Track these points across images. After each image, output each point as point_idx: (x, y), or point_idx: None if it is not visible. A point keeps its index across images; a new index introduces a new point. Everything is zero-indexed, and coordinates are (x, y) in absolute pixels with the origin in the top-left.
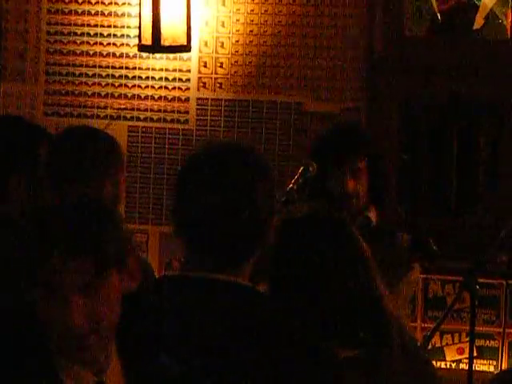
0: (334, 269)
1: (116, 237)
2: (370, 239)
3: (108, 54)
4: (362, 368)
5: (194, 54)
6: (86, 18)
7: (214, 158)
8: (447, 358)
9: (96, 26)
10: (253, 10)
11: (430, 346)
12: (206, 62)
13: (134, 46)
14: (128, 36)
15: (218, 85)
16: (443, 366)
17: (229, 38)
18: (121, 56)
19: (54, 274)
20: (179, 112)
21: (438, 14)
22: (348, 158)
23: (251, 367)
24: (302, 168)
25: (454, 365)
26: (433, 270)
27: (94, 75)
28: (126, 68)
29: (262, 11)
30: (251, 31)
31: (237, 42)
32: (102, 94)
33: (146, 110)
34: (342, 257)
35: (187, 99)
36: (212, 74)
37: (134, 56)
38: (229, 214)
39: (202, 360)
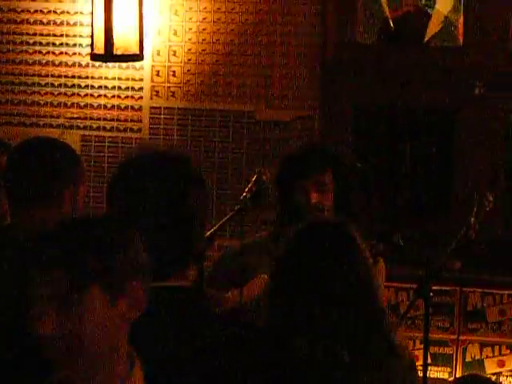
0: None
1: (102, 252)
2: None
3: (60, 64)
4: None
5: (146, 62)
6: (38, 28)
7: (146, 165)
8: None
9: (48, 35)
10: (205, 19)
11: None
12: (158, 71)
13: (86, 55)
14: (80, 45)
15: (171, 93)
16: None
17: (181, 46)
18: (73, 65)
19: (31, 286)
20: (132, 121)
21: (391, 21)
22: (313, 171)
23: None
24: (255, 176)
25: None
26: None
27: (46, 84)
28: (79, 77)
29: (215, 20)
30: (204, 40)
31: (189, 50)
32: (55, 103)
33: (98, 119)
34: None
35: (140, 108)
36: (165, 82)
37: (87, 65)
38: (163, 222)
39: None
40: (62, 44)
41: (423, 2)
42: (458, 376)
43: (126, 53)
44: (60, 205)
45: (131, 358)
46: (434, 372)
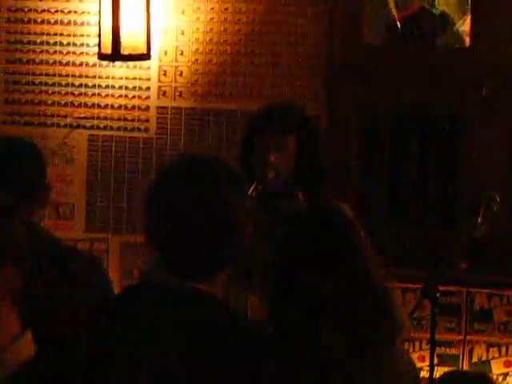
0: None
1: None
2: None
3: (68, 63)
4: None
5: (153, 62)
6: (45, 27)
7: (186, 171)
8: None
9: (55, 34)
10: (212, 19)
11: None
12: (165, 71)
13: (93, 54)
14: (87, 45)
15: (178, 93)
16: None
17: (189, 46)
18: (80, 65)
19: None
20: (139, 120)
21: (398, 22)
22: (273, 130)
23: (210, 375)
24: (259, 175)
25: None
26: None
27: (53, 84)
28: (86, 77)
29: (222, 19)
30: (211, 39)
31: (197, 50)
32: (62, 102)
33: (105, 118)
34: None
35: (147, 108)
36: (172, 82)
37: (94, 65)
38: (204, 227)
39: (165, 369)
40: (69, 43)
41: (429, 1)
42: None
43: (133, 52)
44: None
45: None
46: (441, 372)
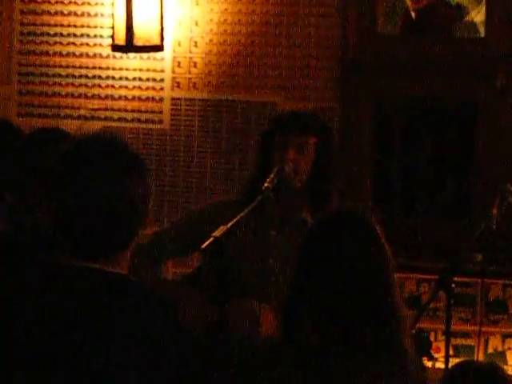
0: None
1: None
2: None
3: (81, 55)
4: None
5: (167, 53)
6: (58, 19)
7: (86, 150)
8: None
9: (69, 26)
10: (226, 10)
11: None
12: (179, 62)
13: (107, 46)
14: (101, 36)
15: (192, 84)
16: None
17: (202, 37)
18: (94, 56)
19: None
20: (153, 112)
21: (412, 13)
22: (295, 130)
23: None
24: (277, 167)
25: (430, 363)
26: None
27: (67, 76)
28: (100, 68)
29: (236, 10)
30: (225, 30)
31: (210, 41)
32: (76, 94)
33: (119, 110)
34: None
35: (161, 99)
36: (186, 73)
37: (108, 56)
38: (106, 205)
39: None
40: (82, 35)
41: None
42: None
43: (146, 44)
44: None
45: None
46: None
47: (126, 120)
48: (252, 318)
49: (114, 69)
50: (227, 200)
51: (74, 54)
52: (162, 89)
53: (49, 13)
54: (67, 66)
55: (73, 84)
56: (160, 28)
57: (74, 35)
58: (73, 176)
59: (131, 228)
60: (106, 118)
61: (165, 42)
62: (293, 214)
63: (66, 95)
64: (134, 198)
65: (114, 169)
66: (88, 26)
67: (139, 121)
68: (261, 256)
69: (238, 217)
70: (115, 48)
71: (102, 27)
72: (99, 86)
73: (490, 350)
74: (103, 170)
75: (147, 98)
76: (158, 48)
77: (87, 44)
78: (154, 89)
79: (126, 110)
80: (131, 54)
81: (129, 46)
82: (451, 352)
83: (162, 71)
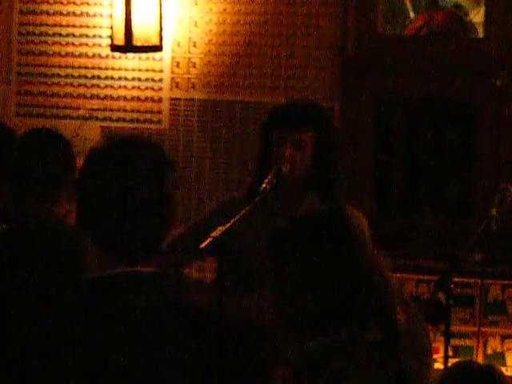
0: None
1: None
2: None
3: (80, 55)
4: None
5: (166, 53)
6: (57, 19)
7: (117, 153)
8: None
9: (68, 26)
10: (225, 10)
11: None
12: (178, 62)
13: (106, 46)
14: (100, 36)
15: (191, 85)
16: None
17: (201, 37)
18: (93, 56)
19: None
20: (152, 112)
21: (411, 13)
22: (292, 125)
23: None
24: (275, 168)
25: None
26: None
27: (66, 76)
28: (99, 68)
29: (235, 11)
30: (224, 31)
31: (210, 41)
32: (75, 94)
33: (118, 110)
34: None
35: (160, 99)
36: (185, 74)
37: (107, 56)
38: (147, 206)
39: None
40: (81, 35)
41: None
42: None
43: (145, 44)
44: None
45: None
46: None
47: (124, 120)
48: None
49: (112, 69)
50: (239, 196)
51: (72, 54)
52: (160, 89)
53: (48, 13)
54: (66, 66)
55: (72, 84)
56: (159, 28)
57: (73, 35)
58: (113, 178)
59: (167, 228)
60: (104, 119)
61: (164, 43)
62: (299, 205)
63: (65, 95)
64: (170, 198)
65: (154, 169)
66: (87, 26)
67: (138, 121)
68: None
69: (237, 217)
70: (114, 48)
71: (100, 27)
72: (98, 86)
73: (489, 351)
74: (143, 171)
75: (146, 99)
76: (157, 48)
77: (86, 44)
78: (152, 89)
79: (124, 110)
80: (130, 54)
81: (128, 46)
82: (450, 352)
83: (161, 71)
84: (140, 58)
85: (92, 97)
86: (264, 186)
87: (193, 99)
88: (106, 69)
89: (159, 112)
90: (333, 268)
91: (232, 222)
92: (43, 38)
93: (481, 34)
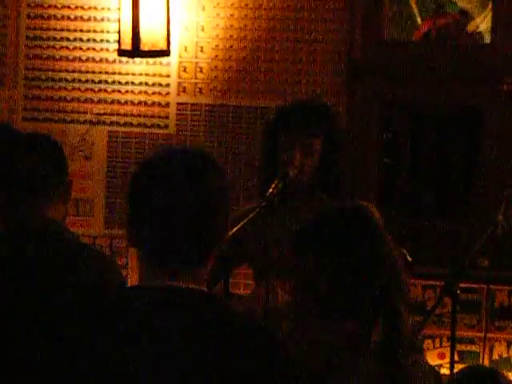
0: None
1: None
2: None
3: (87, 59)
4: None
5: (173, 58)
6: (65, 23)
7: (174, 164)
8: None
9: (75, 30)
10: (232, 15)
11: None
12: (185, 67)
13: (113, 50)
14: (107, 41)
15: (198, 90)
16: None
17: (209, 42)
18: (100, 61)
19: None
20: (159, 117)
21: (418, 18)
22: (299, 129)
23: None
24: (281, 172)
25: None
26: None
27: (73, 80)
28: (106, 73)
29: (242, 16)
30: (231, 36)
31: (217, 46)
32: (82, 99)
33: (125, 114)
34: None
35: (167, 104)
36: (192, 78)
37: (114, 61)
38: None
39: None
40: (89, 40)
41: None
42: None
43: (153, 49)
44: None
45: None
46: None
47: (131, 125)
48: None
49: (120, 74)
50: (250, 206)
51: (80, 59)
52: (167, 94)
53: (55, 17)
54: (73, 71)
55: (79, 89)
56: (166, 33)
57: (81, 40)
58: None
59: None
60: (112, 123)
61: (171, 47)
62: (308, 206)
63: (72, 100)
64: (219, 208)
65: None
66: (94, 31)
67: (145, 126)
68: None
69: (242, 223)
70: (121, 53)
71: (108, 32)
72: (105, 90)
73: (495, 357)
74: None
75: (153, 103)
76: (165, 53)
77: (93, 49)
78: (159, 94)
79: (131, 115)
80: (137, 59)
81: (135, 50)
82: (456, 358)
83: (168, 76)
84: (147, 63)
85: (99, 101)
86: (270, 190)
87: (200, 104)
88: (114, 73)
89: (166, 117)
90: (354, 262)
91: (238, 227)
92: (51, 43)
93: (488, 40)
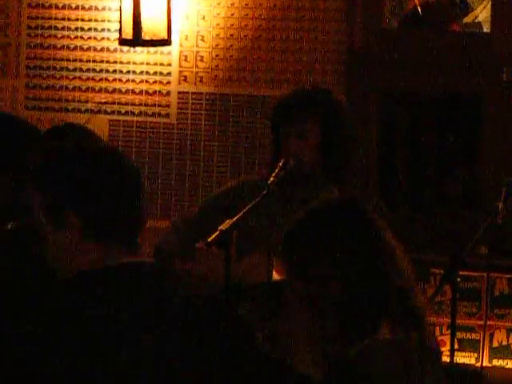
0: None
1: None
2: None
3: (89, 48)
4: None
5: (174, 47)
6: (66, 12)
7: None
8: None
9: (77, 19)
10: (233, 4)
11: None
12: (186, 56)
13: (114, 39)
14: (108, 30)
15: (199, 78)
16: None
17: (209, 31)
18: (101, 50)
19: None
20: (160, 106)
21: (419, 8)
22: (296, 118)
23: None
24: (282, 161)
25: None
26: None
27: (74, 69)
28: (107, 62)
29: (243, 5)
30: (232, 25)
31: (217, 35)
32: (83, 87)
33: (126, 103)
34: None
35: (168, 93)
36: (193, 67)
37: (115, 50)
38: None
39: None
40: (90, 29)
41: None
42: (484, 362)
43: (154, 38)
44: None
45: None
46: (461, 358)
47: (133, 114)
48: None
49: (121, 63)
50: (255, 179)
51: (81, 48)
52: (168, 83)
53: (56, 6)
54: (75, 60)
55: (80, 78)
56: (167, 22)
57: (82, 29)
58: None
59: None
60: (113, 112)
61: (172, 36)
62: (316, 195)
63: (74, 89)
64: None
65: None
66: (95, 20)
67: (146, 114)
68: None
69: (244, 210)
70: (123, 42)
71: (109, 21)
72: (106, 79)
73: (495, 344)
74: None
75: (154, 92)
76: (166, 42)
77: (95, 38)
78: (161, 83)
79: (133, 104)
80: (138, 48)
81: (136, 39)
82: (456, 346)
83: (169, 65)
84: (148, 52)
85: (100, 90)
86: (272, 179)
87: (201, 93)
88: (115, 62)
89: (167, 106)
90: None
91: (240, 214)
92: (52, 32)
93: (487, 29)
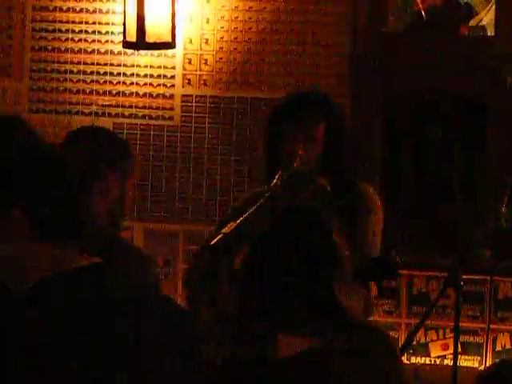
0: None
1: None
2: None
3: (93, 51)
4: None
5: (178, 50)
6: (70, 15)
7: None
8: (432, 354)
9: (81, 22)
10: (237, 7)
11: (414, 342)
12: (190, 59)
13: (118, 42)
14: (112, 33)
15: (203, 81)
16: (428, 361)
17: (213, 34)
18: (105, 53)
19: None
20: (164, 109)
21: (423, 12)
22: (302, 120)
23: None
24: (285, 163)
25: (438, 361)
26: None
27: (78, 72)
28: (111, 65)
29: (247, 8)
30: (236, 28)
31: (221, 38)
32: (87, 90)
33: (130, 106)
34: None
35: (172, 96)
36: (197, 70)
37: (119, 53)
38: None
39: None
40: (94, 31)
41: None
42: (488, 365)
43: (158, 41)
44: None
45: None
46: (464, 361)
47: (136, 116)
48: None
49: (125, 65)
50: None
51: (85, 51)
52: (172, 86)
53: (60, 9)
54: (78, 63)
55: (84, 80)
56: (171, 25)
57: (86, 32)
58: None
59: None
60: (117, 115)
61: (176, 39)
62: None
63: (78, 92)
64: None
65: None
66: (99, 23)
67: (150, 117)
68: None
69: (247, 213)
70: (126, 45)
71: (113, 24)
72: (110, 82)
73: (499, 348)
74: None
75: (158, 95)
76: (170, 45)
77: (99, 41)
78: (164, 86)
79: (136, 107)
80: (142, 51)
81: (140, 43)
82: (460, 349)
83: (173, 68)
84: (152, 55)
85: (104, 93)
86: (275, 181)
87: (205, 96)
88: (119, 65)
89: (171, 108)
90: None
91: (243, 218)
92: (56, 35)
93: (491, 33)
